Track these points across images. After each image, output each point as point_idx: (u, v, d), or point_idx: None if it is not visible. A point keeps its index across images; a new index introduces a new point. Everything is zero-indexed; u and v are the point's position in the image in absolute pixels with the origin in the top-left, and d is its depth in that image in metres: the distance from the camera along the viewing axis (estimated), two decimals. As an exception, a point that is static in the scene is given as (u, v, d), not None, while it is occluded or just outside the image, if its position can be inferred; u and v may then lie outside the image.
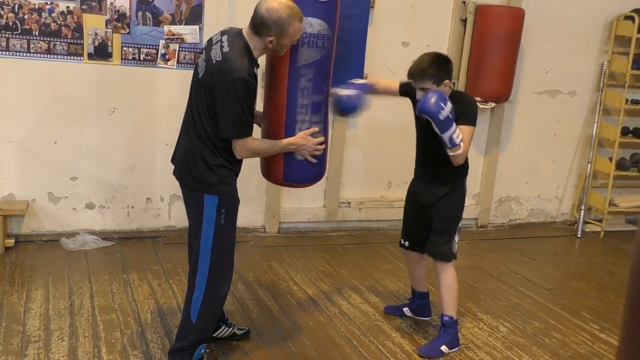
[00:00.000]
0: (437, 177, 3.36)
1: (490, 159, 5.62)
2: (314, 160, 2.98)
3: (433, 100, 3.01)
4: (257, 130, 2.96)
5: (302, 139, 2.92)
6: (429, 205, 3.39)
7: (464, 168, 3.32)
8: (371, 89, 3.42)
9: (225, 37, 2.79)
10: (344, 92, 3.23)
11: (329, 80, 3.00)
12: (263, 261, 4.51)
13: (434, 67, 3.12)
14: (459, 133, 3.07)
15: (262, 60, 2.91)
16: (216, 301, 2.96)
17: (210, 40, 2.88)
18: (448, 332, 3.37)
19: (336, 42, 2.98)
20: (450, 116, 3.03)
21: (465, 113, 3.16)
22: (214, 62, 2.73)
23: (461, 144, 3.08)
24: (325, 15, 2.85)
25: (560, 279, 4.72)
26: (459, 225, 3.40)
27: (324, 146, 3.00)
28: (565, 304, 4.19)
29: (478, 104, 5.07)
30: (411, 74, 3.18)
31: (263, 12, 2.69)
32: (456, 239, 3.39)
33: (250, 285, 4.06)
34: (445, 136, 3.05)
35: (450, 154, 3.13)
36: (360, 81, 3.41)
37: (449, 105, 3.03)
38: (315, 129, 2.96)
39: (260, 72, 2.90)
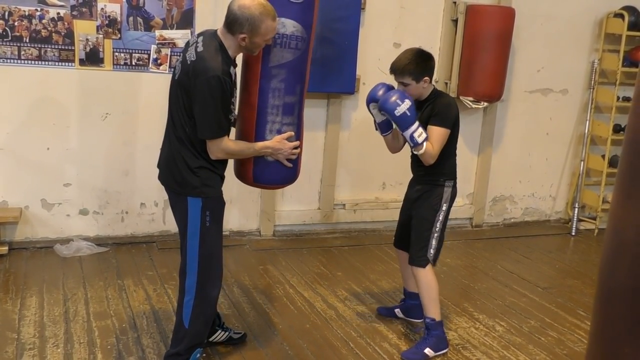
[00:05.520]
0: (419, 177, 3.40)
1: (484, 159, 5.64)
2: (290, 165, 2.97)
3: (391, 98, 3.07)
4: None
5: (279, 143, 2.89)
6: (411, 203, 3.43)
7: (442, 169, 3.29)
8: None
9: (200, 38, 2.79)
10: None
11: (303, 82, 2.96)
12: (258, 264, 4.51)
13: (414, 63, 3.15)
14: (421, 132, 3.08)
15: (239, 60, 2.88)
16: (208, 304, 2.94)
17: (187, 43, 2.89)
18: (431, 335, 3.33)
19: (316, 43, 2.92)
20: (409, 114, 3.05)
21: (437, 114, 3.17)
22: (188, 62, 2.73)
23: (424, 143, 3.09)
24: (299, 16, 2.82)
25: (555, 277, 4.73)
26: (437, 229, 3.29)
27: (298, 150, 2.98)
28: (560, 302, 4.20)
29: (471, 103, 5.17)
30: (392, 69, 3.22)
31: (235, 10, 2.68)
32: (433, 243, 3.29)
33: (246, 289, 4.05)
34: (406, 134, 3.10)
35: (414, 152, 3.18)
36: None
37: (407, 103, 3.05)
38: (291, 133, 2.93)
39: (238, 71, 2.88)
